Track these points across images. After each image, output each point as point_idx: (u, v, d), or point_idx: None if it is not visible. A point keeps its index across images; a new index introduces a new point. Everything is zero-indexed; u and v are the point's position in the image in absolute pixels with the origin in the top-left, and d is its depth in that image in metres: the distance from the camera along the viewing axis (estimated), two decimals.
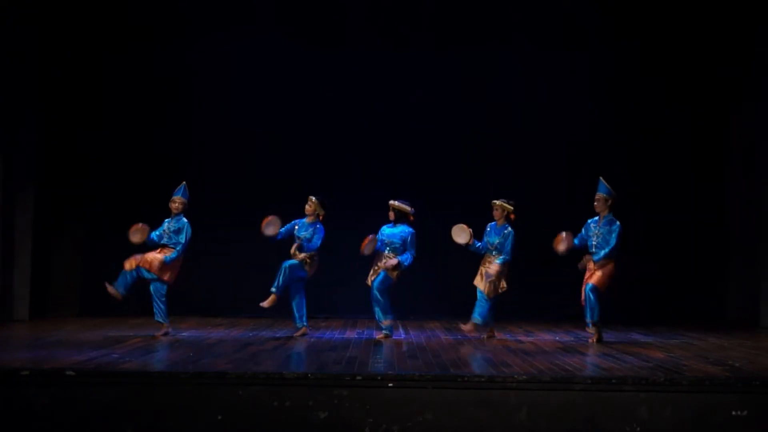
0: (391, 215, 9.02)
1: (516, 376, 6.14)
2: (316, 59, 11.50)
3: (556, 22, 11.27)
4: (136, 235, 8.89)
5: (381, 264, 8.91)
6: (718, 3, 11.00)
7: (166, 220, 9.09)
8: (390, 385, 6.04)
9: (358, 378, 6.09)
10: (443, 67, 11.55)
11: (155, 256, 8.90)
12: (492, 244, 8.87)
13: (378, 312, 8.88)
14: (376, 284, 8.89)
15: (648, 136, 11.37)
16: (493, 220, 8.99)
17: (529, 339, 8.92)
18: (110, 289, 8.91)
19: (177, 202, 9.07)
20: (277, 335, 9.02)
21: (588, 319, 8.62)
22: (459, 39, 11.42)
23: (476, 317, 8.78)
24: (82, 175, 11.51)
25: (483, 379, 6.12)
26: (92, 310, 11.14)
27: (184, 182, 9.19)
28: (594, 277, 8.54)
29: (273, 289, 8.79)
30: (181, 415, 5.97)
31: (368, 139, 11.44)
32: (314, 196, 9.05)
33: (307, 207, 9.03)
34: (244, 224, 11.39)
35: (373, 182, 11.25)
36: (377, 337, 8.81)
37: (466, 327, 8.83)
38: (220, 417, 5.95)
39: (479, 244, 8.91)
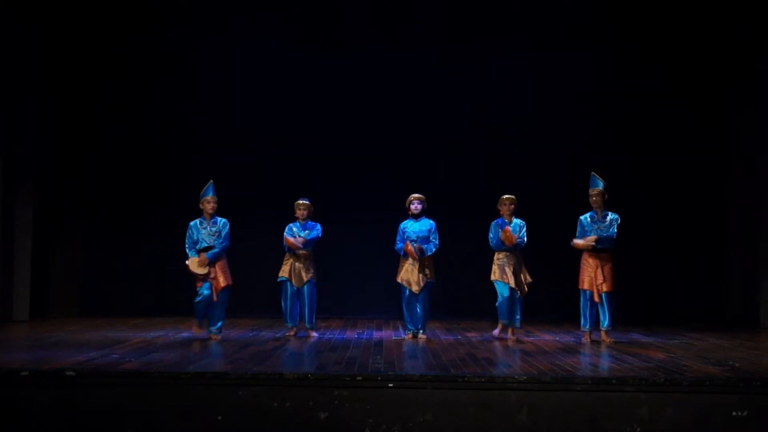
0: (418, 208, 8.94)
1: (516, 377, 6.14)
2: (317, 59, 11.49)
3: (556, 21, 11.26)
4: (202, 269, 8.52)
5: (427, 272, 8.88)
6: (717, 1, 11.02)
7: (195, 223, 8.67)
8: (390, 385, 6.04)
9: (359, 378, 6.09)
10: (443, 67, 11.54)
11: (221, 273, 8.57)
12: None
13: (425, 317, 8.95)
14: (426, 294, 8.89)
15: (647, 135, 11.35)
16: (492, 217, 8.97)
17: (530, 339, 8.92)
18: (197, 329, 8.65)
19: (212, 201, 8.66)
20: (278, 336, 9.01)
21: (606, 327, 8.59)
22: (460, 38, 11.42)
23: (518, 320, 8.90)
24: (83, 175, 11.52)
25: (483, 380, 6.12)
26: (92, 311, 11.16)
27: (212, 181, 8.86)
28: (607, 283, 8.55)
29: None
30: (180, 415, 5.96)
31: (368, 139, 11.42)
32: (302, 199, 9.05)
33: (303, 212, 8.98)
34: (245, 225, 11.40)
35: (374, 183, 11.25)
36: (422, 337, 8.85)
37: (513, 336, 8.83)
38: (220, 418, 5.95)
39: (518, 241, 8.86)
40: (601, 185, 8.72)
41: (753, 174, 10.85)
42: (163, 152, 11.53)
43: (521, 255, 8.91)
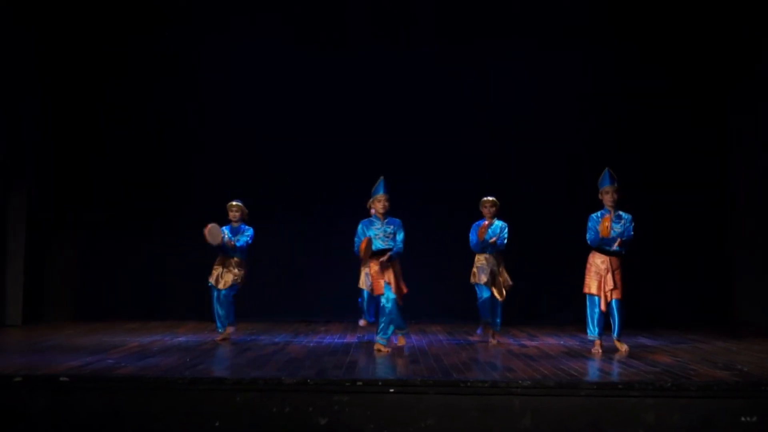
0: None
1: (520, 381, 6.05)
2: (317, 59, 11.45)
3: (556, 21, 11.23)
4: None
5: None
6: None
7: (367, 222, 7.97)
8: (391, 390, 5.94)
9: (359, 383, 5.99)
10: (443, 67, 11.49)
11: (395, 280, 7.90)
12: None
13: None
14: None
15: (647, 135, 11.29)
16: (474, 218, 8.83)
17: (533, 343, 8.81)
18: (382, 348, 7.90)
19: (383, 200, 7.89)
20: (276, 340, 8.92)
21: (617, 335, 8.05)
22: (460, 38, 11.38)
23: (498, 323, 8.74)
24: (82, 175, 11.43)
25: (486, 384, 6.02)
26: (87, 315, 11.04)
27: (382, 177, 8.14)
28: (618, 290, 7.95)
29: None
30: (177, 421, 5.87)
31: (368, 139, 11.33)
32: (235, 200, 8.94)
33: (235, 214, 8.84)
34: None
35: (373, 183, 11.14)
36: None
37: (494, 341, 8.67)
38: (217, 423, 5.86)
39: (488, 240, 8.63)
40: (615, 182, 8.09)
41: (758, 174, 10.76)
42: (163, 152, 11.47)
43: (502, 258, 8.75)
